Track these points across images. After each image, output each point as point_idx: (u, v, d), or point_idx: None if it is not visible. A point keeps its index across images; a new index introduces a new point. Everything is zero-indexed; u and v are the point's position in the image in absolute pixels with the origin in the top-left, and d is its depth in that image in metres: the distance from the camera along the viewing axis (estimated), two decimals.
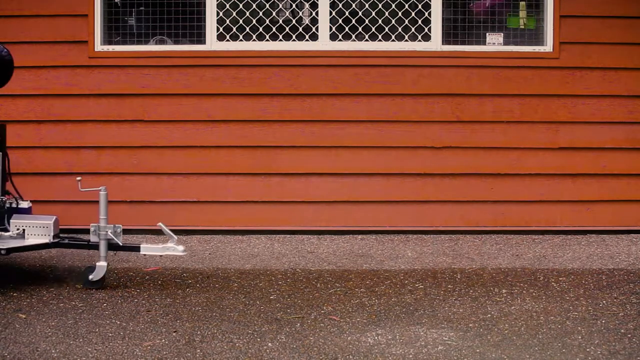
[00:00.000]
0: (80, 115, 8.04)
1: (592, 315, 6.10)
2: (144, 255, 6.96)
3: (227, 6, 8.04)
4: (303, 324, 5.92)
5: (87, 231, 6.63)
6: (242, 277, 6.93)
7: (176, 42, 8.12)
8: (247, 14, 8.08)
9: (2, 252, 6.43)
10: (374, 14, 8.10)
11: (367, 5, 8.11)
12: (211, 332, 5.77)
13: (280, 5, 8.31)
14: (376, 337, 5.69)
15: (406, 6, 8.07)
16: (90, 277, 6.57)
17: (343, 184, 8.08)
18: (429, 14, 8.02)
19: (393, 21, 8.09)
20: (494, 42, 8.10)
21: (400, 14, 8.08)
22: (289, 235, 8.12)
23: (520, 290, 6.63)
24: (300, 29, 8.11)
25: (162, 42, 8.14)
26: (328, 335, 5.73)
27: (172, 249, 6.62)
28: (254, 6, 8.09)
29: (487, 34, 8.13)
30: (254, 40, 8.07)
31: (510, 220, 8.16)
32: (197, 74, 7.99)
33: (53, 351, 5.45)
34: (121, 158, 8.03)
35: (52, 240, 6.61)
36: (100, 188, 6.53)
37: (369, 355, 5.41)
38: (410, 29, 8.06)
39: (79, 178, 6.62)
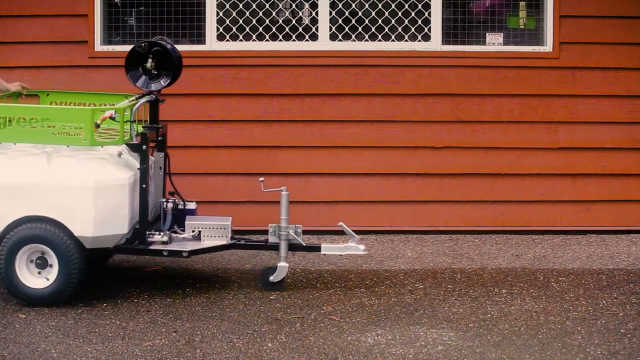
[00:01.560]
0: None
1: (592, 315, 6.11)
2: (324, 254, 6.92)
3: (227, 6, 8.04)
4: (303, 324, 5.92)
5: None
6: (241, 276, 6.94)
7: (176, 42, 8.08)
8: (247, 14, 8.08)
9: (184, 254, 6.40)
10: (374, 14, 8.10)
11: (367, 5, 8.11)
12: (211, 332, 5.78)
13: (280, 5, 8.31)
14: (376, 337, 5.69)
15: (406, 6, 8.07)
16: (271, 278, 6.54)
17: (343, 184, 8.08)
18: (429, 14, 8.02)
19: (393, 21, 8.09)
20: (494, 42, 8.10)
21: (400, 14, 8.08)
22: None
23: (520, 290, 6.64)
24: (300, 29, 8.11)
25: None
26: (328, 335, 5.74)
27: (354, 248, 6.61)
28: (254, 6, 8.09)
29: (487, 34, 8.13)
30: (254, 40, 8.07)
31: (510, 220, 8.16)
32: (197, 73, 7.98)
33: (53, 351, 5.45)
34: None
35: (229, 241, 6.58)
36: (281, 188, 6.53)
37: (369, 355, 5.42)
38: (410, 29, 8.06)
39: (262, 179, 6.57)
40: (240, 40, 8.06)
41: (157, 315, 6.06)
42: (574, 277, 6.97)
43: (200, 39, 8.06)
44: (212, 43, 8.01)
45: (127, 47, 7.97)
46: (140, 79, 6.53)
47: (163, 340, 5.63)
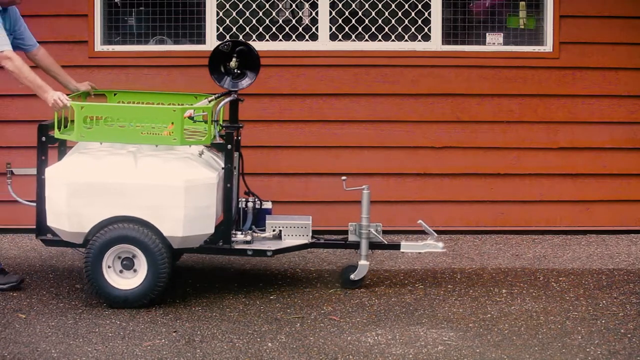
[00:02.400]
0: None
1: (592, 315, 6.11)
2: (402, 252, 6.98)
3: (227, 6, 8.04)
4: (303, 324, 5.92)
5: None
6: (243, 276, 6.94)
7: (176, 42, 8.12)
8: (247, 14, 8.08)
9: (269, 253, 6.40)
10: (373, 14, 8.10)
11: (367, 5, 8.11)
12: (211, 332, 5.78)
13: (280, 5, 8.31)
14: (376, 337, 5.69)
15: (406, 6, 8.07)
16: (352, 276, 6.56)
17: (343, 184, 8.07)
18: (429, 14, 8.02)
19: (393, 21, 8.09)
20: (494, 42, 8.10)
21: (400, 14, 8.08)
22: None
23: (520, 290, 6.64)
24: (300, 29, 8.11)
25: (162, 42, 8.14)
26: (328, 335, 5.74)
27: (433, 246, 6.63)
28: (254, 6, 8.08)
29: (487, 34, 8.13)
30: (254, 40, 8.06)
31: (510, 220, 8.16)
32: (197, 73, 7.97)
33: (53, 351, 5.45)
34: None
35: (310, 240, 6.58)
36: (363, 187, 6.53)
37: (369, 355, 5.42)
38: (410, 29, 8.06)
39: (344, 178, 6.58)
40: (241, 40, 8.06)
41: (157, 315, 6.06)
42: (574, 277, 6.97)
43: (200, 39, 8.06)
44: (212, 43, 8.00)
45: (128, 47, 8.06)
46: (226, 79, 6.49)
47: (163, 340, 5.63)
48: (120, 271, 6.16)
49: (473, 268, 7.19)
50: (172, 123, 6.11)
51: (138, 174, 6.09)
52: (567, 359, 5.39)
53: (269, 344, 5.58)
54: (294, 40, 8.07)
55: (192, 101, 6.75)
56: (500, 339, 5.68)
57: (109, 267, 6.13)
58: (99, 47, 8.01)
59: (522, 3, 8.24)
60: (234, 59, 6.46)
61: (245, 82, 6.50)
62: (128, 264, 6.14)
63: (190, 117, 6.14)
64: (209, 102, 6.48)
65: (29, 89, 6.31)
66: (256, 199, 6.66)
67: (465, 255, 7.51)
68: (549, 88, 8.05)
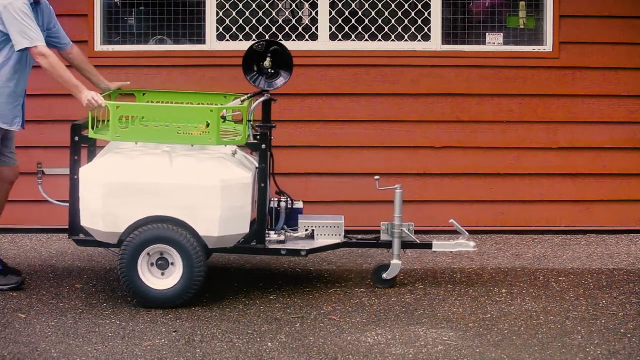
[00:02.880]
0: (80, 116, 8.02)
1: (592, 315, 6.11)
2: (434, 251, 6.99)
3: (227, 6, 8.04)
4: (303, 324, 5.92)
5: None
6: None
7: (176, 42, 8.12)
8: (247, 14, 8.08)
9: (302, 253, 6.40)
10: (373, 14, 8.10)
11: (367, 5, 8.11)
12: (211, 332, 5.78)
13: (280, 5, 8.31)
14: (376, 337, 5.69)
15: (406, 6, 8.07)
16: (384, 275, 6.58)
17: (343, 184, 8.08)
18: (429, 14, 8.02)
19: (393, 21, 8.09)
20: (494, 42, 8.10)
21: (400, 14, 8.08)
22: None
23: (520, 290, 6.64)
24: (300, 29, 8.11)
25: (162, 42, 8.14)
26: (328, 335, 5.74)
27: (465, 245, 6.65)
28: (254, 6, 8.08)
29: (487, 34, 8.13)
30: (254, 40, 8.06)
31: (510, 220, 8.16)
32: (197, 73, 7.99)
33: (53, 351, 5.45)
34: None
35: (343, 240, 6.59)
36: (396, 187, 6.54)
37: (369, 355, 5.42)
38: (410, 29, 8.06)
39: (377, 177, 6.59)
40: (240, 40, 8.07)
41: (157, 315, 6.06)
42: (574, 277, 6.97)
43: (200, 39, 8.06)
44: (212, 43, 8.01)
45: (128, 47, 8.06)
46: (260, 79, 6.47)
47: (163, 340, 5.63)
48: (156, 271, 6.14)
49: (473, 268, 7.19)
50: (207, 123, 6.10)
51: (174, 174, 6.08)
52: (567, 359, 5.39)
53: (269, 344, 5.58)
54: (294, 40, 8.07)
55: (221, 101, 6.76)
56: (500, 339, 5.68)
57: (144, 267, 6.12)
58: (99, 47, 8.01)
59: (522, 3, 8.24)
60: (268, 59, 6.43)
61: (280, 82, 6.47)
62: (163, 264, 6.13)
63: (223, 117, 6.15)
64: (241, 102, 6.48)
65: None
66: (288, 199, 6.66)
67: (465, 255, 7.51)
68: (549, 88, 8.05)
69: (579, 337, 5.71)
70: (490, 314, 6.13)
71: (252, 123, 6.41)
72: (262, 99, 6.49)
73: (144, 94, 6.92)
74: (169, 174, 6.08)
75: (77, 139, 6.31)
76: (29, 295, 6.44)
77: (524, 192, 8.12)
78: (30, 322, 5.92)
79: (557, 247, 7.80)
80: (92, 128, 6.23)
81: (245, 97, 6.53)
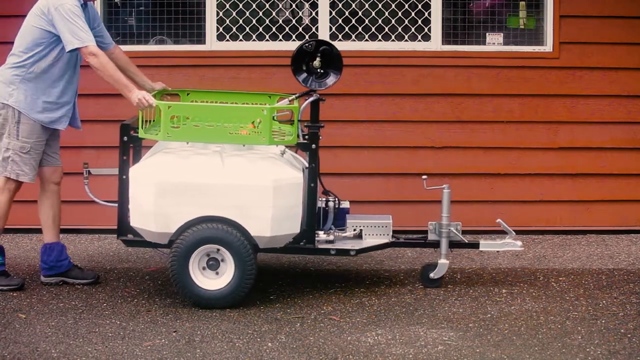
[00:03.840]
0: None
1: (592, 315, 6.11)
2: (481, 251, 7.01)
3: (227, 6, 8.04)
4: (303, 324, 5.93)
5: None
6: None
7: (176, 42, 8.12)
8: (247, 14, 8.08)
9: (352, 252, 6.40)
10: (373, 14, 8.10)
11: (367, 5, 8.11)
12: (211, 332, 5.78)
13: (280, 5, 8.31)
14: (376, 337, 5.69)
15: (406, 6, 8.07)
16: (431, 275, 6.59)
17: (343, 184, 8.07)
18: (429, 14, 8.02)
19: (393, 21, 8.09)
20: (494, 42, 8.11)
21: (400, 14, 8.08)
22: None
23: (520, 290, 6.64)
24: (300, 29, 8.11)
25: (162, 42, 8.14)
26: (328, 335, 5.74)
27: (512, 244, 6.67)
28: (254, 6, 8.09)
29: (487, 34, 8.14)
30: (254, 40, 8.07)
31: (510, 220, 8.13)
32: (197, 73, 7.99)
33: (53, 351, 5.45)
34: None
35: (390, 239, 6.60)
36: (443, 186, 6.56)
37: (369, 355, 5.42)
38: (410, 29, 8.06)
39: (424, 177, 6.62)
40: (240, 40, 8.07)
41: (157, 315, 6.06)
42: (574, 277, 6.97)
43: (200, 39, 8.06)
44: (212, 43, 8.01)
45: (128, 47, 8.03)
46: (310, 79, 6.44)
47: (163, 340, 5.63)
48: (207, 272, 6.13)
49: (473, 268, 7.19)
50: (253, 123, 6.11)
51: (225, 174, 6.06)
52: (567, 359, 5.39)
53: (269, 344, 5.58)
54: (294, 40, 8.07)
55: (265, 100, 6.74)
56: (500, 339, 5.68)
57: (195, 267, 6.11)
58: None
59: (522, 3, 8.24)
60: (317, 59, 6.41)
61: (330, 81, 6.45)
62: (214, 265, 6.11)
63: (272, 117, 6.15)
64: (289, 101, 6.48)
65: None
66: (336, 199, 6.66)
67: (465, 255, 7.51)
68: (549, 88, 8.05)
69: (579, 337, 5.72)
70: (490, 314, 6.13)
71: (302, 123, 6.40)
72: (311, 98, 6.46)
73: (187, 94, 6.89)
74: (221, 174, 6.05)
75: (125, 138, 6.27)
76: (29, 295, 6.44)
77: (523, 192, 8.12)
78: (30, 322, 5.92)
79: (557, 247, 7.80)
80: (142, 127, 6.21)
81: (293, 96, 6.52)
